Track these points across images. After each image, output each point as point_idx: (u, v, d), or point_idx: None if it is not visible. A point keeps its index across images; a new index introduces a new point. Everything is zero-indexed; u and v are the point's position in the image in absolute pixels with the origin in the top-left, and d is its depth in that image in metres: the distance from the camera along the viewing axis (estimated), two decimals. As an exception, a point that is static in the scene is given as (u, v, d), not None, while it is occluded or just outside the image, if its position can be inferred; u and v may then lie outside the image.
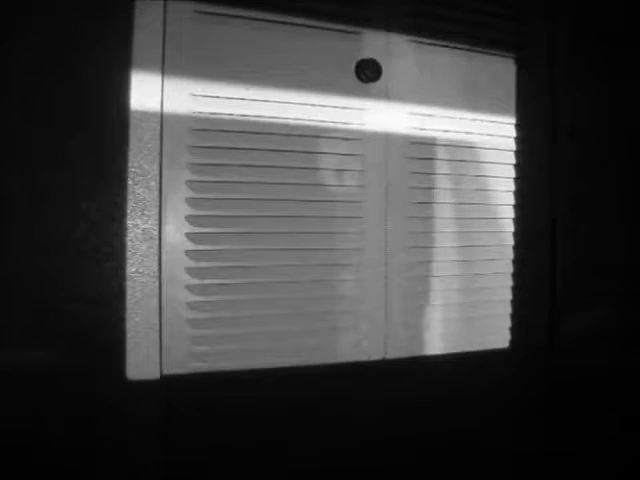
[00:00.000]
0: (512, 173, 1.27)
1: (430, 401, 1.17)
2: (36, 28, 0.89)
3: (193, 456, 0.99)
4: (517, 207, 1.27)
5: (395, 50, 1.14)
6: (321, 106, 1.08)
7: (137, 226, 0.95)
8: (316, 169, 1.08)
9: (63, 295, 0.91)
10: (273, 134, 1.04)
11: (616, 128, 1.37)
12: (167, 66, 0.97)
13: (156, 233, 0.96)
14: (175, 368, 0.97)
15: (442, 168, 1.19)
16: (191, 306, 0.98)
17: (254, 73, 1.02)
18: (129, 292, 0.94)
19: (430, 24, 1.16)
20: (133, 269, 0.95)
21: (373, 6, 1.12)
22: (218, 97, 1.00)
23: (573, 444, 1.32)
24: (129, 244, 0.94)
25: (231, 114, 1.01)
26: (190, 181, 0.99)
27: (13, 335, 0.88)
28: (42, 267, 0.89)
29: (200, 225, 0.99)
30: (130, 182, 0.94)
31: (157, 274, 0.96)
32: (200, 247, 0.99)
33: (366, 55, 1.11)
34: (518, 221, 1.27)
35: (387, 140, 1.13)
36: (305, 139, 1.06)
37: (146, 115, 0.95)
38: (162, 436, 0.96)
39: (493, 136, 1.24)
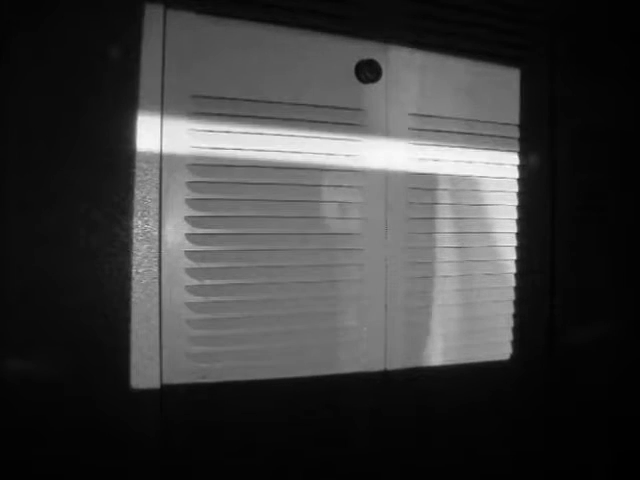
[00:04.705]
0: (514, 187, 1.26)
1: (430, 410, 1.17)
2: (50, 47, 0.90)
3: (191, 466, 0.99)
4: (519, 222, 1.26)
5: (395, 54, 1.14)
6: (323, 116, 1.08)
7: (137, 226, 0.95)
8: (317, 169, 1.08)
9: (63, 297, 0.90)
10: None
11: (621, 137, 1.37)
12: (167, 67, 0.97)
13: (156, 234, 0.96)
14: (175, 369, 0.97)
15: (442, 183, 1.19)
16: (191, 307, 0.98)
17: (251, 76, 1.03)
18: (130, 293, 0.94)
19: (430, 28, 1.16)
20: (133, 270, 0.95)
21: (374, 10, 1.11)
22: (219, 97, 1.01)
23: (573, 451, 1.31)
24: (130, 245, 0.94)
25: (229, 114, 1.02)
26: (190, 182, 0.99)
27: (13, 338, 0.88)
28: (41, 269, 0.89)
29: (200, 226, 1.00)
30: (131, 183, 0.94)
31: (157, 275, 0.96)
32: (200, 248, 0.99)
33: (365, 57, 1.10)
34: (520, 236, 1.26)
35: (388, 147, 1.14)
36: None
37: (147, 119, 0.95)
38: (160, 444, 0.96)
39: (493, 142, 1.23)
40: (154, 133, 0.96)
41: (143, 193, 0.95)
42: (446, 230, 1.19)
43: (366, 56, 1.10)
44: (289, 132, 1.05)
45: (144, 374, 0.95)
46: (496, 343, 1.25)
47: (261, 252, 1.04)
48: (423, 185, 1.17)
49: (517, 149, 1.26)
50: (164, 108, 0.97)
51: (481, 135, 1.22)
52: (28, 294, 0.88)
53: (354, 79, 1.10)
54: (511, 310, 1.26)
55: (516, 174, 1.26)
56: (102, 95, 0.92)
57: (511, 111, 1.25)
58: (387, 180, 1.13)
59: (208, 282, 1.00)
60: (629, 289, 1.38)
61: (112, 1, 0.93)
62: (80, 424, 0.91)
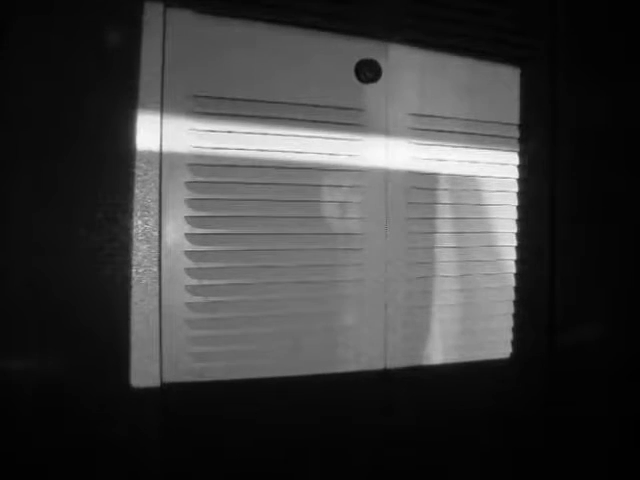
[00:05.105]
0: (514, 187, 1.26)
1: (430, 408, 1.17)
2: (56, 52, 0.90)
3: (192, 464, 0.99)
4: (519, 222, 1.26)
5: (395, 54, 1.14)
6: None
7: (137, 226, 0.95)
8: (316, 169, 1.08)
9: (63, 297, 0.91)
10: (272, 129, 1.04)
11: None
12: (167, 67, 0.97)
13: (156, 234, 0.96)
14: (175, 368, 0.98)
15: (442, 185, 1.19)
16: (191, 307, 0.99)
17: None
18: (130, 293, 0.94)
19: (430, 27, 1.16)
20: (133, 270, 0.95)
21: (374, 10, 1.11)
22: (219, 97, 1.01)
23: (573, 450, 1.32)
24: (130, 245, 0.95)
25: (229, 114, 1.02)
26: (190, 182, 0.99)
27: (13, 338, 0.88)
28: (41, 269, 0.89)
29: (200, 226, 1.00)
30: (131, 183, 0.94)
31: (157, 275, 0.96)
32: (200, 248, 1.00)
33: (365, 57, 1.10)
34: (520, 236, 1.26)
35: (387, 146, 1.14)
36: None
37: (147, 118, 0.95)
38: (161, 442, 0.96)
39: (493, 144, 1.23)
40: (154, 133, 0.96)
41: (143, 193, 0.95)
42: (446, 230, 1.19)
43: (366, 56, 1.10)
44: (289, 132, 1.05)
45: (144, 373, 0.95)
46: (496, 343, 1.25)
47: (261, 252, 1.04)
48: (423, 185, 1.17)
49: (517, 149, 1.26)
50: (164, 108, 0.97)
51: (481, 135, 1.22)
52: (28, 294, 0.89)
53: (354, 79, 1.10)
54: (511, 310, 1.26)
55: (516, 174, 1.26)
56: (101, 95, 0.92)
57: (511, 111, 1.25)
58: (387, 180, 1.13)
59: (207, 282, 1.00)
60: (629, 289, 1.38)
61: (112, 0, 0.93)
62: (80, 423, 0.92)
